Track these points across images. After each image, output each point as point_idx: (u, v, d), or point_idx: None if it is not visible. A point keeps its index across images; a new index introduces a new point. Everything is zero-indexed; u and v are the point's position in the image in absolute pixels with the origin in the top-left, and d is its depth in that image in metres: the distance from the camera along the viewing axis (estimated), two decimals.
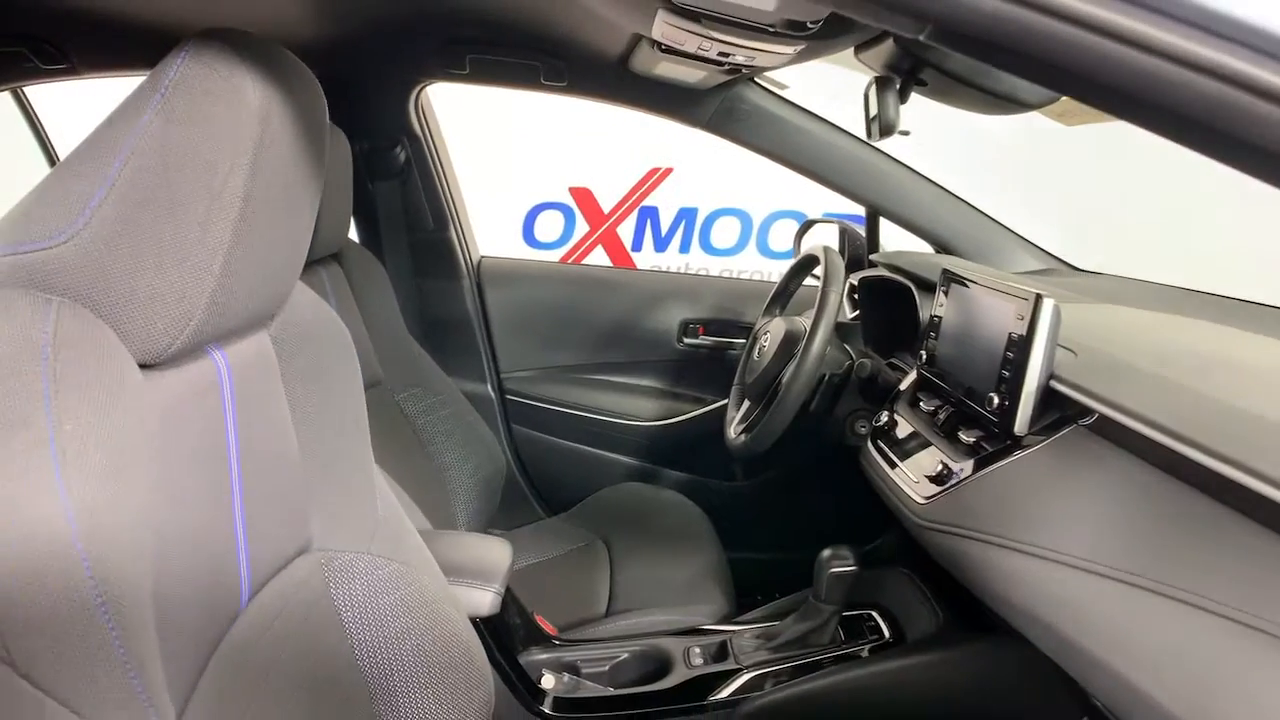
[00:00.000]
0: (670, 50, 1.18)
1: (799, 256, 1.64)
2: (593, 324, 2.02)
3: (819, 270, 1.42)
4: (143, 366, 0.60)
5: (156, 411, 0.60)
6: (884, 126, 1.05)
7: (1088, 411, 0.91)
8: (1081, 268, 1.71)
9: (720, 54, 1.07)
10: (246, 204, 0.61)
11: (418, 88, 1.75)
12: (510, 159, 3.12)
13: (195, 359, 0.67)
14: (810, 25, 0.90)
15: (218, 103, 0.58)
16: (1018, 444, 0.99)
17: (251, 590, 0.75)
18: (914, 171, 1.70)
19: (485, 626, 1.15)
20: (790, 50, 1.03)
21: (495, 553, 1.17)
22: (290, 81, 0.65)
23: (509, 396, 2.01)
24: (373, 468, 0.96)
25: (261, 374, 0.77)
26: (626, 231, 3.43)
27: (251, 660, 0.73)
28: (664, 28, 1.02)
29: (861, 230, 1.84)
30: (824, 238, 1.79)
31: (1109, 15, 0.38)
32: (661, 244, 3.46)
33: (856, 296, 1.74)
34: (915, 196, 1.70)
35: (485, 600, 1.11)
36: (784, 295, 1.69)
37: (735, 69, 1.25)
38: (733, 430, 1.56)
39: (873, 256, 1.74)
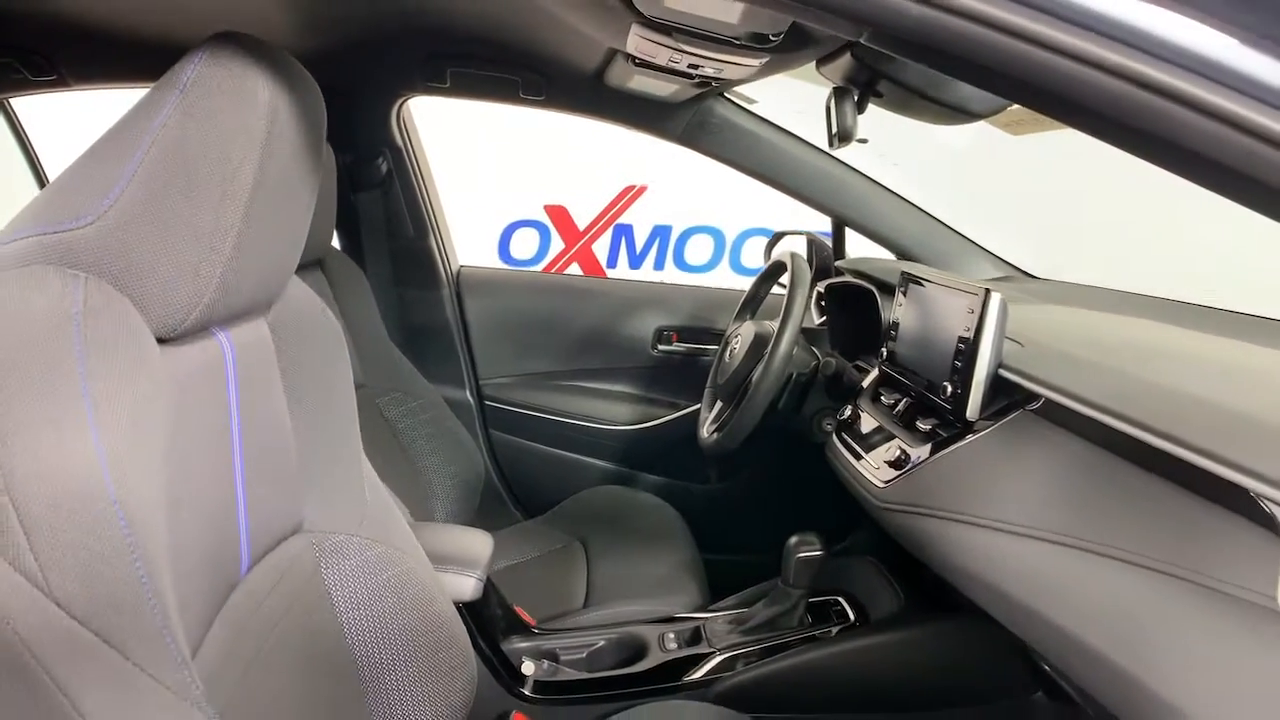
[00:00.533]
0: (643, 64, 1.25)
1: (768, 264, 1.71)
2: (569, 331, 2.07)
3: (786, 278, 1.49)
4: (159, 341, 0.65)
5: (170, 383, 0.65)
6: (842, 134, 1.12)
7: (1034, 397, 0.99)
8: (1036, 275, 1.80)
9: (690, 66, 1.14)
10: (255, 192, 0.67)
11: (400, 101, 1.81)
12: (486, 177, 3.16)
13: (203, 339, 0.72)
14: (773, 38, 0.97)
15: (232, 100, 0.64)
16: (970, 429, 1.06)
17: (250, 562, 0.80)
18: (877, 183, 1.78)
19: (468, 612, 1.20)
20: (755, 62, 1.10)
21: (477, 542, 1.22)
22: (295, 83, 0.70)
23: (487, 402, 2.05)
24: (361, 455, 1.00)
25: (261, 359, 0.82)
26: (601, 248, 3.47)
27: (250, 628, 0.78)
28: (637, 41, 1.09)
29: (828, 241, 1.92)
30: (793, 248, 1.87)
31: (1012, 18, 0.45)
32: (636, 261, 3.51)
33: (824, 304, 1.82)
34: (878, 207, 1.78)
35: (468, 586, 1.16)
36: (754, 301, 1.76)
37: (705, 82, 1.32)
38: (705, 430, 1.62)
39: (838, 263, 1.82)
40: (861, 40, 0.53)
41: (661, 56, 1.14)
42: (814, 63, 1.22)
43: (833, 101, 1.14)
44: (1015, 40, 0.46)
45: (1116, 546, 0.77)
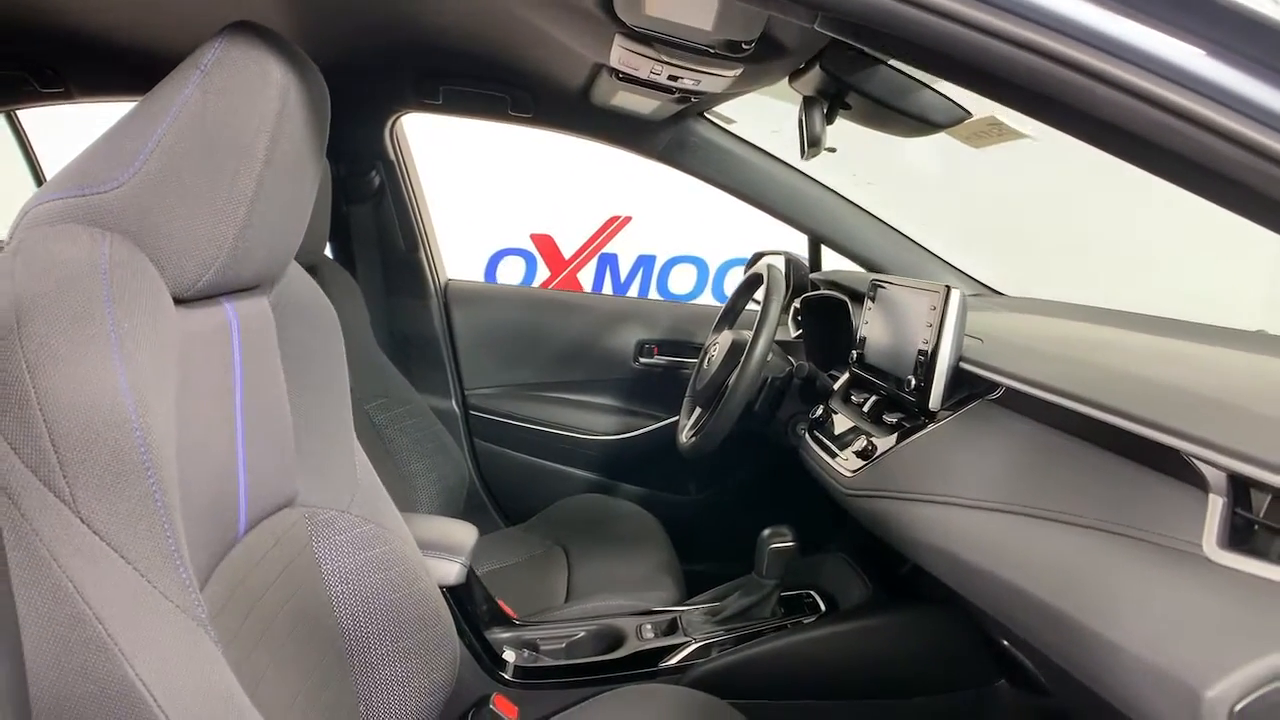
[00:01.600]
0: (627, 78, 1.33)
1: (746, 276, 1.78)
2: (554, 344, 2.13)
3: (762, 291, 1.55)
4: (174, 301, 0.70)
5: (182, 340, 0.71)
6: (811, 140, 1.20)
7: (993, 389, 1.05)
8: (1003, 292, 1.87)
9: (670, 77, 1.22)
10: (267, 165, 0.72)
11: (394, 116, 1.88)
12: (474, 206, 3.23)
13: (212, 305, 0.78)
14: (745, 46, 1.05)
15: (249, 78, 0.70)
16: (932, 419, 1.13)
17: (247, 525, 0.84)
18: (850, 202, 1.86)
19: (452, 599, 1.23)
20: (730, 73, 1.17)
21: (461, 531, 1.26)
22: (304, 70, 0.77)
23: (472, 412, 2.10)
24: (353, 438, 1.05)
25: (263, 334, 0.87)
26: (586, 277, 3.54)
27: (245, 586, 0.82)
28: (620, 53, 1.16)
29: (805, 261, 1.99)
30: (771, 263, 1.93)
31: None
32: (620, 290, 3.57)
33: (800, 319, 1.88)
34: (851, 225, 1.85)
35: (452, 571, 1.20)
36: (732, 313, 1.82)
37: (685, 97, 1.39)
38: (684, 436, 1.67)
39: (813, 276, 1.89)
40: (815, 26, 0.60)
41: (643, 69, 1.21)
42: (786, 80, 1.30)
43: (803, 111, 1.22)
44: (945, 21, 0.53)
45: (1063, 511, 0.83)
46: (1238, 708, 0.55)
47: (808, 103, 1.20)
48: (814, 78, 1.18)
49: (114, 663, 0.56)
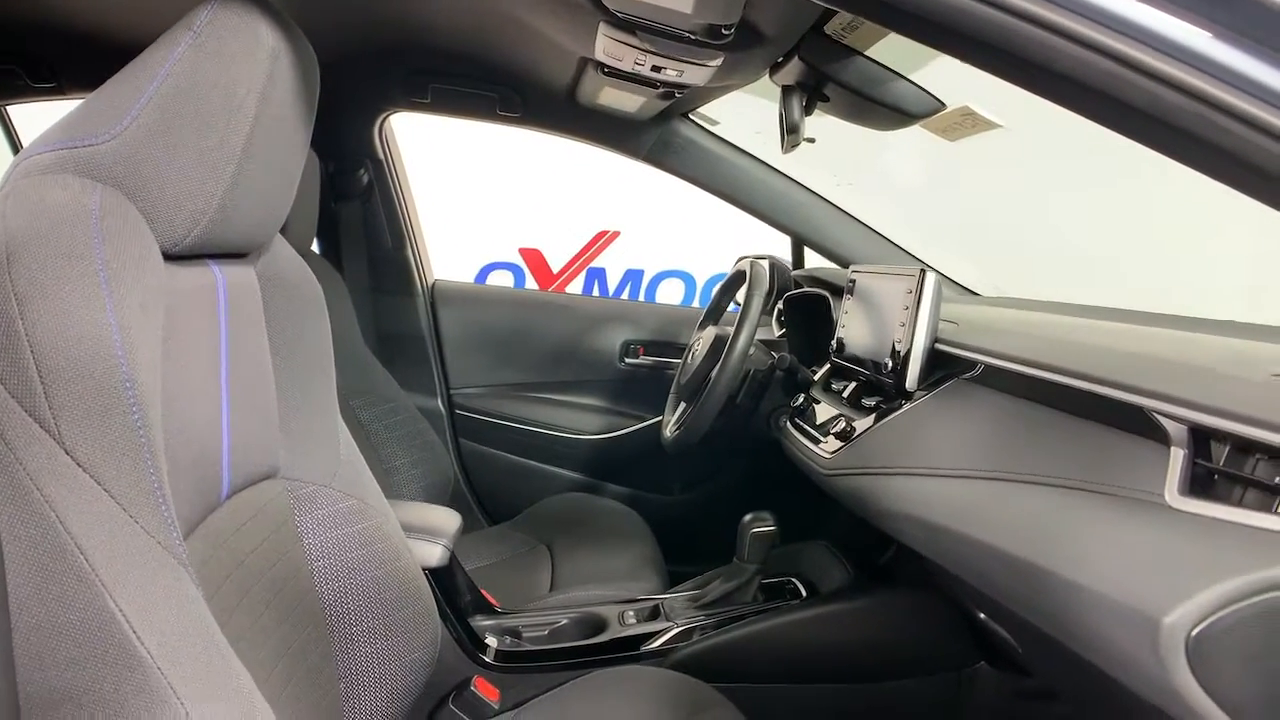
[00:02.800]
0: (612, 72, 1.35)
1: (730, 275, 1.81)
2: (540, 344, 2.15)
3: (743, 291, 1.58)
4: (163, 256, 0.71)
5: (169, 295, 0.72)
6: (789, 129, 1.23)
7: (968, 369, 1.08)
8: (979, 293, 1.90)
9: (654, 68, 1.25)
10: (255, 127, 0.74)
11: (383, 115, 1.91)
12: (462, 220, 3.24)
13: (200, 265, 0.79)
14: (725, 31, 1.08)
15: (241, 40, 0.72)
16: (909, 399, 1.15)
17: (229, 490, 0.85)
18: (830, 203, 1.89)
19: (434, 581, 1.24)
20: (711, 63, 1.20)
21: (444, 515, 1.27)
22: (294, 37, 0.79)
23: (458, 411, 2.11)
24: (337, 415, 1.06)
25: (249, 302, 0.89)
26: (574, 290, 3.56)
27: (228, 547, 0.82)
28: (605, 42, 1.19)
29: (789, 265, 2.02)
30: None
31: None
32: None
33: (783, 319, 1.91)
34: (831, 225, 1.89)
35: (434, 553, 1.21)
36: (716, 311, 1.84)
37: (669, 92, 1.42)
38: (668, 431, 1.69)
39: (795, 273, 1.92)
40: None
41: (627, 60, 1.24)
42: (767, 75, 1.34)
43: (782, 102, 1.25)
44: None
45: (1033, 473, 0.85)
46: (1194, 633, 0.57)
47: (786, 92, 1.23)
48: (793, 69, 1.21)
49: (94, 593, 0.57)
